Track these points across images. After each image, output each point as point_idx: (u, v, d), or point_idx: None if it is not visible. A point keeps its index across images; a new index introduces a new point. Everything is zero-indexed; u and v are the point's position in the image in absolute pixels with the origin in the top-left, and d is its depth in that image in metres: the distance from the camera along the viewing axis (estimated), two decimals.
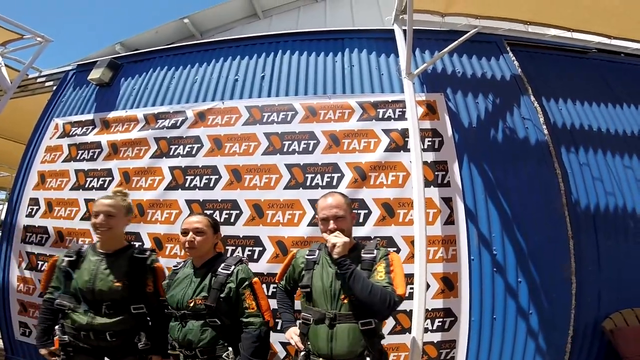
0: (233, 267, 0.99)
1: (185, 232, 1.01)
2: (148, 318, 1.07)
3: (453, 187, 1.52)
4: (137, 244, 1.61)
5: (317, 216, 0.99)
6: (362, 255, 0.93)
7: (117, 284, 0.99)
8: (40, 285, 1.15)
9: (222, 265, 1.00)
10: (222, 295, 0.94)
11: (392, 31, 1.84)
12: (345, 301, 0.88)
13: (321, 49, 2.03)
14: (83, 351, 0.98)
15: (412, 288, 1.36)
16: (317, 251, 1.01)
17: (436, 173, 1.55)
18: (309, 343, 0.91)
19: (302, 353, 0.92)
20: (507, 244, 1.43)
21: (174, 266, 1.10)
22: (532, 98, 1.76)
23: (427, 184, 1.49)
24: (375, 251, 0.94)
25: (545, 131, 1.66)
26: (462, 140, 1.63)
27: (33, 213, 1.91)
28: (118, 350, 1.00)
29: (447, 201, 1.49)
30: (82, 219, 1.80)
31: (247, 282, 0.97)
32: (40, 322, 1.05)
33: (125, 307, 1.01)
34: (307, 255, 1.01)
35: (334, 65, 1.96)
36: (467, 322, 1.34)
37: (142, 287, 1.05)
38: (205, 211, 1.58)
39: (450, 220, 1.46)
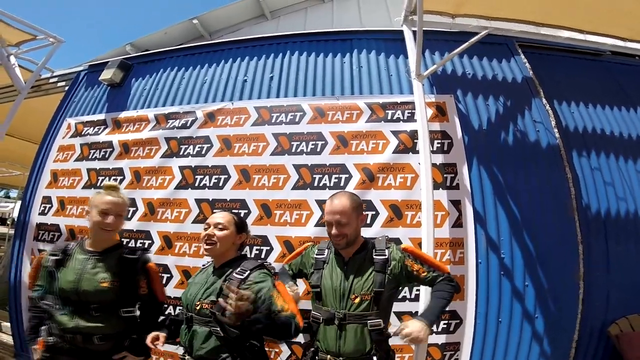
0: (249, 271, 0.87)
1: (207, 228, 0.94)
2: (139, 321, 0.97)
3: (462, 189, 1.51)
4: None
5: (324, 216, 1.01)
6: (374, 257, 0.93)
7: (104, 284, 0.93)
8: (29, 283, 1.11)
9: (239, 268, 0.89)
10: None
11: (401, 32, 1.83)
12: (356, 301, 0.89)
13: (329, 50, 2.03)
14: (70, 353, 0.91)
15: (417, 290, 1.37)
16: (326, 250, 1.01)
17: (445, 175, 1.55)
18: (317, 342, 0.92)
19: (311, 349, 0.93)
20: (515, 247, 1.42)
21: (203, 265, 1.03)
22: (544, 101, 1.74)
23: (436, 186, 1.48)
24: (386, 251, 0.94)
25: (557, 134, 1.65)
26: (471, 143, 1.63)
27: (46, 211, 1.96)
28: (108, 355, 0.93)
29: (456, 204, 1.49)
30: None
31: (266, 289, 0.84)
32: (29, 320, 1.01)
33: (113, 310, 0.94)
34: (317, 254, 1.01)
35: (342, 66, 1.96)
36: (473, 324, 1.34)
37: (135, 289, 0.98)
38: (215, 210, 1.61)
39: (458, 223, 1.45)
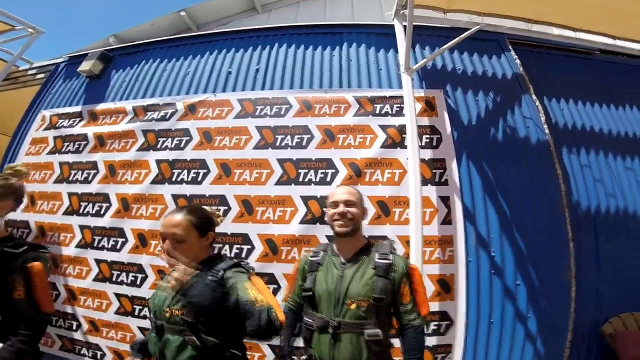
0: (222, 272, 0.76)
1: (164, 239, 0.78)
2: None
3: (451, 185, 1.46)
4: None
5: (325, 207, 0.94)
6: (376, 260, 0.85)
7: None
8: None
9: (212, 270, 0.77)
10: (204, 303, 0.71)
11: (392, 26, 1.80)
12: (352, 307, 0.81)
13: (319, 43, 1.98)
14: None
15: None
16: (322, 252, 0.93)
17: (434, 171, 1.49)
18: (311, 349, 0.85)
19: (304, 357, 0.86)
20: (505, 245, 1.38)
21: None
22: (534, 97, 1.72)
23: (424, 182, 1.43)
24: (391, 256, 0.86)
25: (547, 131, 1.62)
26: (461, 138, 1.58)
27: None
28: None
29: (445, 200, 1.44)
30: (64, 213, 1.72)
31: (237, 281, 0.73)
32: None
33: None
34: (311, 256, 0.94)
35: (331, 59, 1.91)
36: (464, 325, 1.28)
37: (7, 290, 0.81)
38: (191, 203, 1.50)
39: (447, 220, 1.40)
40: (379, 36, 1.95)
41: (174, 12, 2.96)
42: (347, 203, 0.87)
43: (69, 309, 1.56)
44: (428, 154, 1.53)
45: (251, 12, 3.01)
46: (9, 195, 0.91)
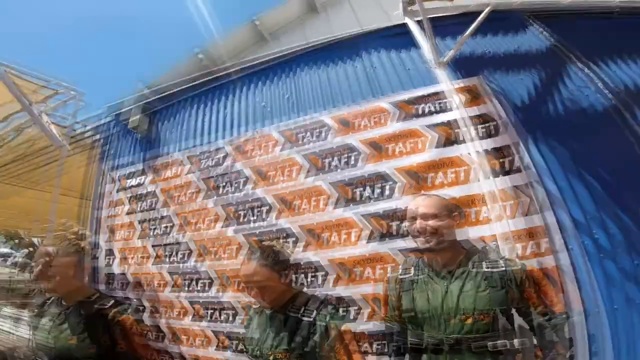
0: (315, 312, 0.82)
1: (247, 285, 0.90)
2: None
3: (525, 172, 1.35)
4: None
5: (395, 221, 0.94)
6: (485, 270, 0.80)
7: (71, 341, 0.87)
8: None
9: (303, 309, 0.84)
10: (306, 349, 0.79)
11: (404, 25, 1.77)
12: (468, 322, 0.76)
13: (338, 57, 2.01)
14: None
15: None
16: (413, 268, 0.91)
17: (501, 160, 1.41)
18: None
19: None
20: (608, 223, 1.23)
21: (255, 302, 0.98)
22: (580, 65, 1.55)
23: (495, 173, 1.35)
24: (502, 262, 0.81)
25: (609, 95, 1.45)
26: (519, 121, 1.47)
27: (110, 262, 2.10)
28: None
29: (523, 189, 1.33)
30: (153, 263, 1.94)
31: (334, 333, 0.80)
32: None
33: None
34: (401, 274, 0.92)
35: (355, 70, 1.92)
36: (583, 317, 1.15)
37: (109, 345, 0.89)
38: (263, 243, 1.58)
39: (532, 210, 1.30)
40: (395, 37, 1.92)
41: (192, 55, 3.14)
42: (425, 216, 0.84)
43: (175, 349, 1.73)
44: (489, 143, 1.44)
45: (261, 43, 3.14)
46: (82, 259, 1.02)
